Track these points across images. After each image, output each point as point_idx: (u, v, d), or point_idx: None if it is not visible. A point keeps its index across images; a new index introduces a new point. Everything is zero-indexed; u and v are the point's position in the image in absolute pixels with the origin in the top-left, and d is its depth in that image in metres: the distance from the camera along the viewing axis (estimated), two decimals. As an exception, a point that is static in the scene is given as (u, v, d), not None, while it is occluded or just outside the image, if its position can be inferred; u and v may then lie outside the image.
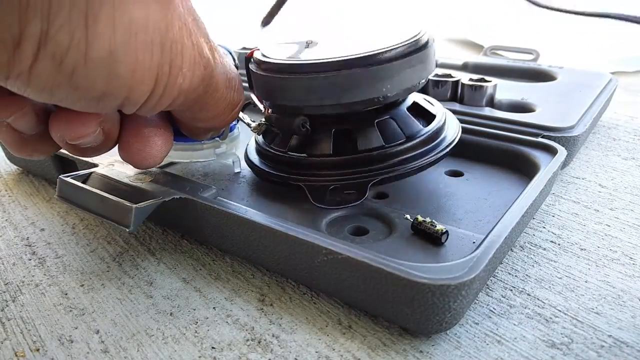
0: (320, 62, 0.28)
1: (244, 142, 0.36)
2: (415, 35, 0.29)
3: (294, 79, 0.28)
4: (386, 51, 0.27)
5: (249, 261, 0.29)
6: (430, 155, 0.30)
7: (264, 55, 0.30)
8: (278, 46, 0.31)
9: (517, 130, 0.37)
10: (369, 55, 0.27)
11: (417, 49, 0.28)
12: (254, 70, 0.30)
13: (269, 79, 0.29)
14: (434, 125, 0.31)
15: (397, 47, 0.28)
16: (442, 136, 0.32)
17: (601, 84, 0.47)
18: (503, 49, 0.61)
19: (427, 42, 0.29)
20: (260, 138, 0.34)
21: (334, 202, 0.30)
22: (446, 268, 0.22)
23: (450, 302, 0.21)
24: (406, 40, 0.28)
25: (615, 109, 0.51)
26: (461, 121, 0.38)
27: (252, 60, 0.31)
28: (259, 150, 0.34)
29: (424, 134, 0.31)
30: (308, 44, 0.31)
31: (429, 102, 0.34)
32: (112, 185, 0.29)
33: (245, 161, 0.35)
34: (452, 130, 0.33)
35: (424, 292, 0.21)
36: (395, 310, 0.23)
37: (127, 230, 0.26)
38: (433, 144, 0.31)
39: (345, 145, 0.30)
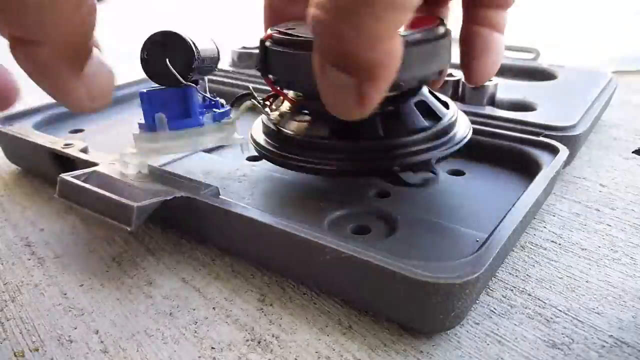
0: None
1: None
2: (433, 26, 0.28)
3: None
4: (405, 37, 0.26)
5: (250, 260, 0.29)
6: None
7: (292, 35, 0.27)
8: (295, 30, 0.29)
9: (519, 129, 0.37)
10: None
11: (434, 38, 0.27)
12: (283, 50, 0.28)
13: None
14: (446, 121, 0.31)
15: (414, 34, 0.26)
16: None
17: (602, 83, 0.47)
18: (503, 48, 0.61)
19: (444, 33, 0.28)
20: (277, 129, 0.31)
21: (417, 180, 0.31)
22: (450, 267, 0.22)
23: (455, 301, 0.21)
24: (423, 30, 0.27)
25: (615, 108, 0.51)
26: (462, 120, 0.38)
27: (274, 41, 0.28)
28: (290, 141, 0.31)
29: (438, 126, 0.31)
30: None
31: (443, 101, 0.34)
32: (112, 184, 0.29)
33: (273, 158, 0.31)
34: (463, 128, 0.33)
35: (428, 291, 0.21)
36: (399, 309, 0.23)
37: (128, 229, 0.26)
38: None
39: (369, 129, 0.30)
